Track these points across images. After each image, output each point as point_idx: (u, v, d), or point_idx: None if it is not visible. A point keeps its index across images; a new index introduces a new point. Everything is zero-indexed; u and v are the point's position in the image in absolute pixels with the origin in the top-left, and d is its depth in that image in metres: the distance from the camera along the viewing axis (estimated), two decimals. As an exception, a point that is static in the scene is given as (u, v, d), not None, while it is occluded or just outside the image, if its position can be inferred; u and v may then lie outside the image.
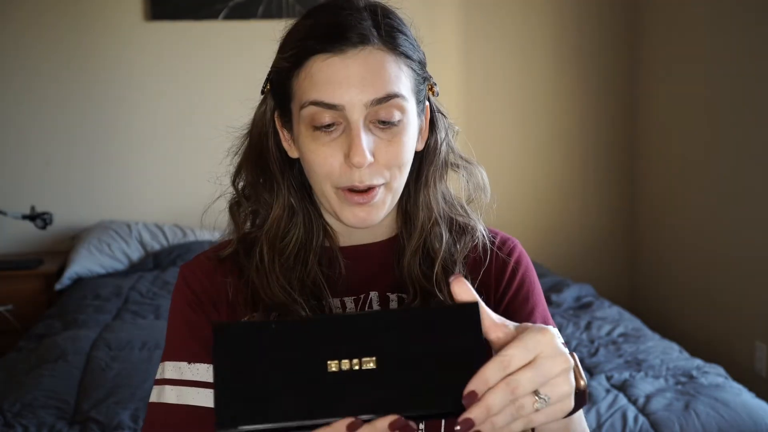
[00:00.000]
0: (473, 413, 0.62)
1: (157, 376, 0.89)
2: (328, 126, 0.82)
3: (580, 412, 0.79)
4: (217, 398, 0.61)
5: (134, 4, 3.64)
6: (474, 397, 0.62)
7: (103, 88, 3.66)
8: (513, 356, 0.63)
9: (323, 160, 0.83)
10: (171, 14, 3.64)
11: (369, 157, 0.81)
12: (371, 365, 0.61)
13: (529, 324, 0.68)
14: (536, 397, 0.64)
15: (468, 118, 3.78)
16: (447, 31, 3.79)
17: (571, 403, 0.67)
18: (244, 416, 0.61)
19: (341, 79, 0.80)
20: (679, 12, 3.54)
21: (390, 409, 0.62)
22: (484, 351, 0.64)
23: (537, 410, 0.64)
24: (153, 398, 0.88)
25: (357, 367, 0.61)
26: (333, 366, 0.60)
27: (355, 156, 0.81)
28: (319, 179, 0.85)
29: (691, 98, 3.48)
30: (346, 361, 0.60)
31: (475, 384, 0.62)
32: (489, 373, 0.62)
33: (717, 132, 3.29)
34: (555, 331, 0.86)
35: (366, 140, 0.81)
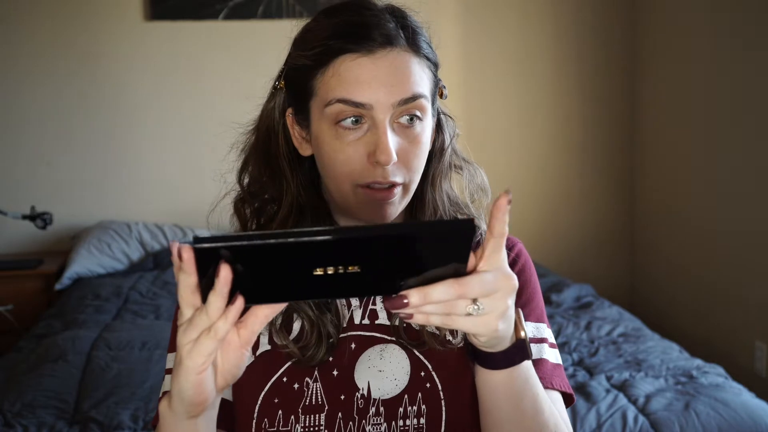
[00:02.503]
0: (411, 294, 0.64)
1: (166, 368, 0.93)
2: (354, 124, 0.83)
3: (531, 373, 0.80)
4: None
5: (134, 4, 3.64)
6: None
7: (102, 88, 3.67)
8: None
9: (346, 159, 0.84)
10: (171, 14, 3.64)
11: (394, 156, 0.83)
12: (356, 269, 0.63)
13: None
14: (472, 304, 0.66)
15: (468, 118, 3.79)
16: (447, 31, 3.79)
17: (499, 327, 0.69)
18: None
19: (370, 79, 0.82)
20: (678, 12, 3.55)
21: (363, 292, 0.68)
22: (466, 264, 0.67)
23: (468, 315, 0.66)
24: (162, 390, 0.92)
25: (342, 271, 0.63)
26: (319, 271, 0.63)
27: (381, 154, 0.82)
28: (340, 178, 0.86)
29: (691, 98, 3.48)
30: (332, 268, 0.62)
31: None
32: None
33: (717, 132, 3.29)
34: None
35: (391, 140, 0.83)
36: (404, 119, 0.84)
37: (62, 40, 3.62)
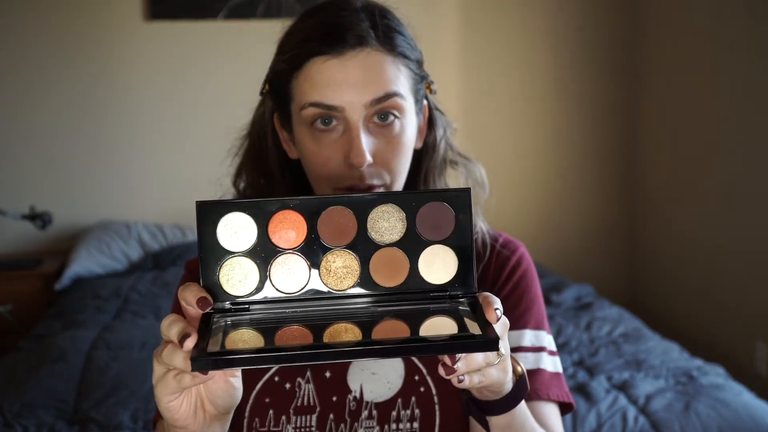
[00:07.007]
0: (459, 368, 0.64)
1: None
2: (328, 126, 0.82)
3: (525, 410, 0.78)
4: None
5: (133, 4, 3.64)
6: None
7: (102, 88, 3.66)
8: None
9: (324, 162, 0.83)
10: (170, 14, 3.64)
11: (369, 158, 0.82)
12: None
13: None
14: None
15: (468, 116, 3.78)
16: (447, 31, 3.79)
17: (508, 369, 0.69)
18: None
19: (340, 80, 0.81)
20: (680, 12, 3.54)
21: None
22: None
23: (494, 364, 0.66)
24: None
25: None
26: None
27: (355, 157, 0.81)
28: (320, 181, 0.85)
29: (691, 98, 3.48)
30: None
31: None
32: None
33: (717, 132, 3.28)
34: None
35: (366, 141, 0.82)
36: (379, 119, 0.83)
37: (61, 39, 3.61)
